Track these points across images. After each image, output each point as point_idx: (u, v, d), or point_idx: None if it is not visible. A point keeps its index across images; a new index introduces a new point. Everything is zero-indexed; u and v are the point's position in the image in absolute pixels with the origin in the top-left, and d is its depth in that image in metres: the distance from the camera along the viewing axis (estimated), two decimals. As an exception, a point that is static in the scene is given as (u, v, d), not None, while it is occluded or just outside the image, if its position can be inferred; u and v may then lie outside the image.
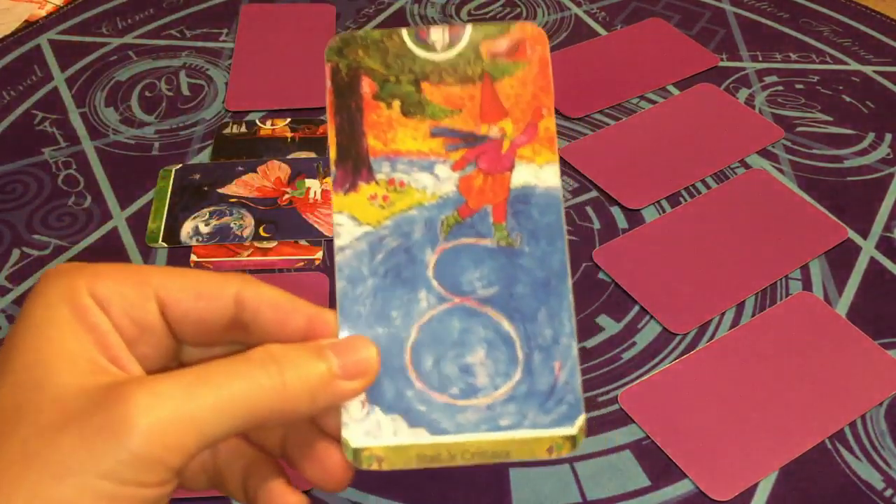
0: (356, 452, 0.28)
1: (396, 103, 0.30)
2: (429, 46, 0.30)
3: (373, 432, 0.28)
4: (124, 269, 0.27)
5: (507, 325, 0.30)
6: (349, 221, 0.30)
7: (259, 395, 0.25)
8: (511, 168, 0.30)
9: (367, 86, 0.30)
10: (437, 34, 0.30)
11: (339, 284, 0.29)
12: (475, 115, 0.30)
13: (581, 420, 0.29)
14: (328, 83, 0.30)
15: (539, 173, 0.30)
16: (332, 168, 0.30)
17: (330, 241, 0.61)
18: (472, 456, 0.29)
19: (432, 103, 0.30)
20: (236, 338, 0.28)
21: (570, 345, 0.29)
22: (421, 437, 0.28)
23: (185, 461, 0.23)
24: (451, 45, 0.30)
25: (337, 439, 0.28)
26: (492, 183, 0.30)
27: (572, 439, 0.29)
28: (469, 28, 0.30)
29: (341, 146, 0.30)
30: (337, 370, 0.26)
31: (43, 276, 0.25)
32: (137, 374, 0.26)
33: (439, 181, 0.30)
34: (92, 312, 0.25)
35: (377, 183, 0.30)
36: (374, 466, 0.28)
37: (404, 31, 0.30)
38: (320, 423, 0.29)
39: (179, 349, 0.29)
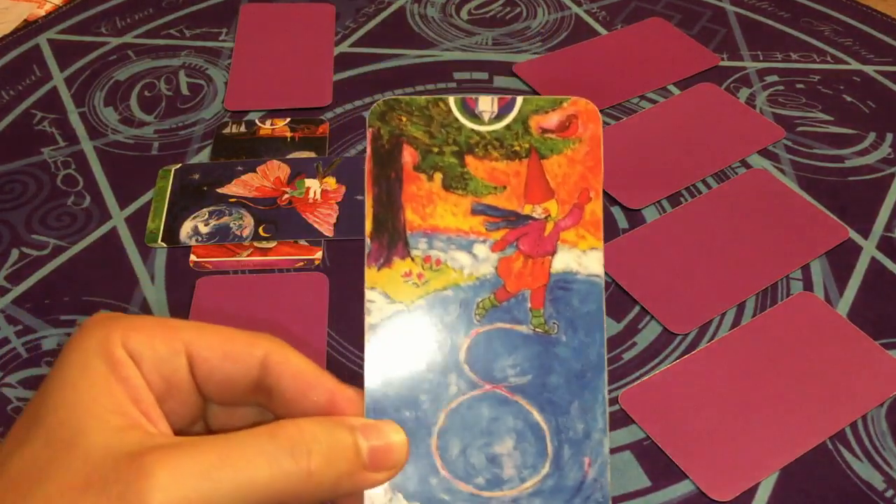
0: None
1: (438, 176, 0.29)
2: (476, 117, 0.29)
3: None
4: (157, 322, 0.27)
5: (537, 417, 0.28)
6: (381, 298, 0.29)
7: (283, 482, 0.24)
8: (553, 252, 0.29)
9: (408, 155, 0.29)
10: (486, 104, 0.29)
11: (369, 365, 0.29)
12: (519, 194, 0.29)
13: None
14: (368, 149, 0.29)
15: (582, 259, 0.29)
16: (368, 241, 0.29)
17: (329, 241, 0.61)
18: None
19: (475, 178, 0.29)
20: (260, 400, 0.28)
21: (601, 441, 0.28)
22: None
23: None
24: (499, 116, 0.29)
25: None
26: (532, 266, 0.29)
27: None
28: (520, 100, 0.29)
29: (378, 218, 0.29)
30: (366, 459, 0.26)
31: (81, 325, 0.25)
32: (165, 433, 0.25)
33: (477, 261, 0.29)
34: (126, 366, 0.25)
35: (413, 259, 0.29)
36: None
37: (451, 99, 0.29)
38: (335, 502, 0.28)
39: (205, 407, 0.29)
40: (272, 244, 0.60)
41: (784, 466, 0.48)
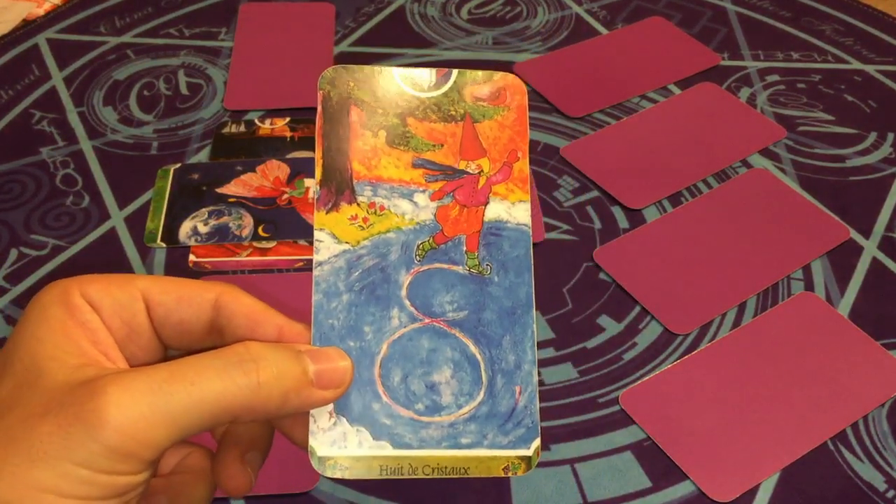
0: (322, 460, 0.29)
1: (382, 133, 0.32)
2: (416, 85, 0.33)
3: (339, 442, 0.29)
4: (114, 275, 0.29)
5: (473, 349, 0.31)
6: (329, 238, 0.31)
7: (233, 393, 0.25)
8: (485, 203, 0.33)
9: (355, 115, 0.32)
10: (425, 74, 0.33)
11: (315, 297, 0.31)
12: (455, 152, 0.33)
13: (537, 443, 0.31)
14: (319, 108, 0.32)
15: (511, 210, 0.33)
16: (317, 187, 0.32)
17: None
18: (432, 470, 0.30)
19: (416, 137, 0.32)
20: (215, 342, 0.29)
21: (531, 371, 0.31)
22: (385, 450, 0.30)
23: (156, 454, 0.24)
24: (437, 85, 0.33)
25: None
26: (467, 214, 0.32)
27: (528, 460, 0.30)
28: (455, 72, 0.33)
29: (327, 168, 0.32)
30: (312, 376, 0.27)
31: (42, 288, 0.27)
32: (122, 368, 0.27)
33: (418, 208, 0.32)
34: (83, 311, 0.27)
35: (358, 205, 0.32)
36: (339, 475, 0.29)
37: (395, 69, 0.33)
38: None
39: (164, 354, 0.30)
40: (272, 244, 0.60)
41: (785, 467, 0.48)
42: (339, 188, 0.32)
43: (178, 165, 0.66)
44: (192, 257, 0.59)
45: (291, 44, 0.78)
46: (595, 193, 0.65)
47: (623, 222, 0.62)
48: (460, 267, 0.32)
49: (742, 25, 0.82)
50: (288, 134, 0.69)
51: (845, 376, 0.52)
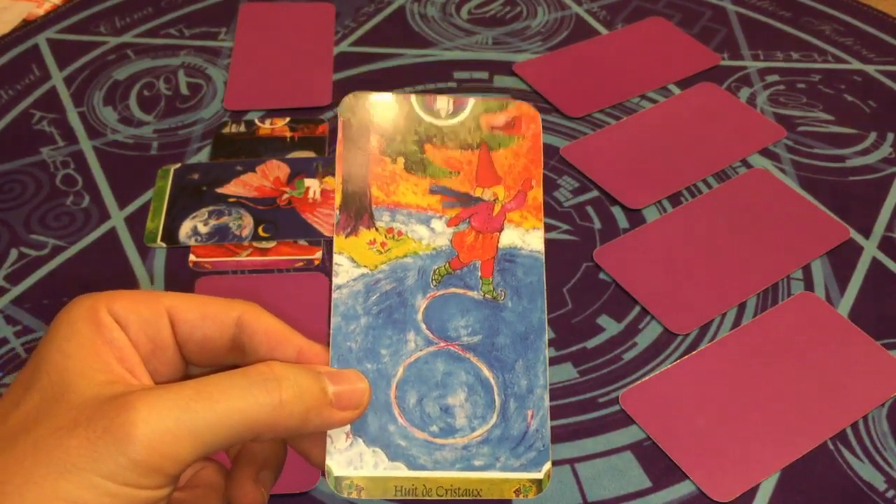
0: (337, 480, 0.30)
1: (401, 160, 0.33)
2: (434, 113, 0.33)
3: (354, 463, 0.30)
4: (140, 292, 0.29)
5: (486, 373, 0.32)
6: (348, 262, 0.32)
7: (256, 410, 0.26)
8: (500, 229, 0.33)
9: (374, 141, 0.33)
10: (443, 103, 0.34)
11: (334, 320, 0.31)
12: (471, 179, 0.33)
13: (548, 466, 0.31)
14: (340, 134, 0.33)
15: (525, 237, 0.33)
16: (336, 212, 0.33)
17: (329, 241, 0.60)
18: (445, 492, 0.31)
19: (433, 164, 0.33)
20: (236, 359, 0.30)
21: (542, 396, 0.32)
22: (399, 470, 0.30)
23: (180, 469, 0.24)
24: (454, 113, 0.34)
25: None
26: (482, 241, 0.33)
27: (538, 483, 0.31)
28: (471, 101, 0.34)
29: (346, 193, 0.33)
30: (332, 397, 0.28)
31: (69, 302, 0.27)
32: (147, 385, 0.27)
33: (434, 234, 0.33)
34: (110, 329, 0.27)
35: (377, 230, 0.33)
36: (354, 495, 0.30)
37: (413, 97, 0.33)
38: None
39: (186, 370, 0.30)
40: (272, 244, 0.60)
41: (785, 467, 0.48)
42: (359, 213, 0.33)
43: (178, 165, 0.66)
44: (192, 257, 0.59)
45: (291, 44, 0.78)
46: (595, 193, 0.65)
47: (623, 222, 0.62)
48: (475, 292, 0.33)
49: (742, 25, 0.82)
50: (288, 134, 0.69)
51: (845, 376, 0.52)
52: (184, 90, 0.74)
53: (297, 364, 0.29)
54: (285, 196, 0.63)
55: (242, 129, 0.70)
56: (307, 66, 0.76)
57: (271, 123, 0.70)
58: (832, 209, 0.63)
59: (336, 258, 0.32)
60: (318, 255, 0.59)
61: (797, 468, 0.48)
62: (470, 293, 0.33)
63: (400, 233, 0.33)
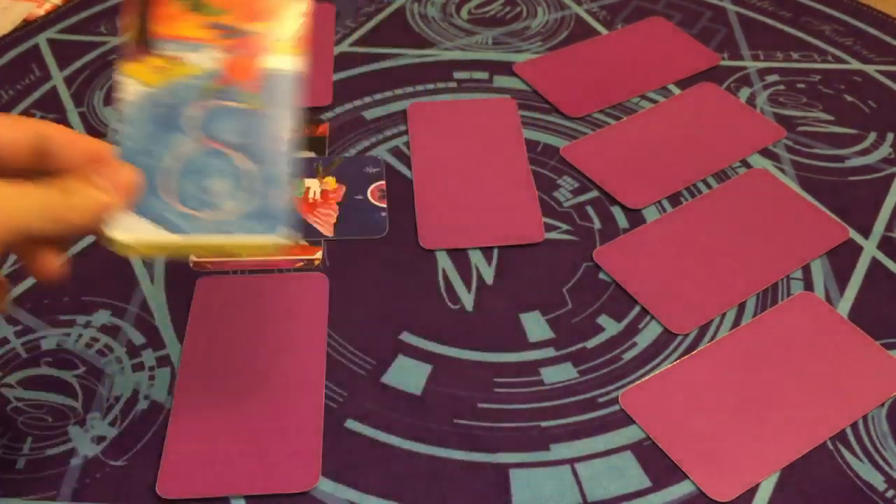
0: (114, 242, 0.39)
1: (182, 3, 0.43)
2: None
3: (128, 229, 0.39)
4: None
5: (243, 165, 0.41)
6: (133, 83, 0.41)
7: (44, 195, 0.35)
8: (263, 56, 0.42)
9: None
10: None
11: (120, 127, 0.40)
12: (241, 16, 0.43)
13: (286, 232, 0.40)
14: None
15: (284, 62, 0.43)
16: (126, 45, 0.42)
17: (329, 241, 0.61)
18: (201, 250, 0.40)
19: (210, 5, 0.43)
20: (37, 164, 0.37)
21: (286, 182, 0.41)
22: (164, 235, 0.39)
23: None
24: None
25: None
26: (248, 65, 0.42)
27: (278, 244, 0.40)
28: None
29: (135, 28, 0.42)
30: (109, 189, 0.38)
31: None
32: None
33: (207, 59, 0.42)
34: None
35: (159, 57, 0.42)
36: (128, 252, 0.39)
37: None
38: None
39: None
40: (272, 244, 0.60)
41: (784, 466, 0.48)
42: (144, 45, 0.42)
43: (178, 165, 0.66)
44: (192, 257, 0.59)
45: (291, 44, 0.78)
46: (595, 193, 0.65)
47: (623, 222, 0.62)
48: (239, 104, 0.42)
49: (742, 25, 0.82)
50: (288, 134, 0.69)
51: (845, 376, 0.52)
52: (184, 90, 0.74)
53: (80, 177, 0.37)
54: (285, 196, 0.63)
55: (243, 129, 0.70)
56: (307, 66, 0.76)
57: (271, 123, 0.70)
58: (832, 209, 0.63)
59: (124, 80, 0.41)
60: (319, 255, 0.60)
61: (797, 468, 0.48)
62: (235, 104, 0.42)
63: (179, 59, 0.42)
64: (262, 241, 0.40)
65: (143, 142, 0.40)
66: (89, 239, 0.61)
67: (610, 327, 0.56)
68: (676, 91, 0.74)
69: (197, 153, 0.41)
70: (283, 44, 0.43)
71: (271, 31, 0.43)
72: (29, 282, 0.58)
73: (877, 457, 0.49)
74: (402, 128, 0.70)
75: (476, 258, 0.60)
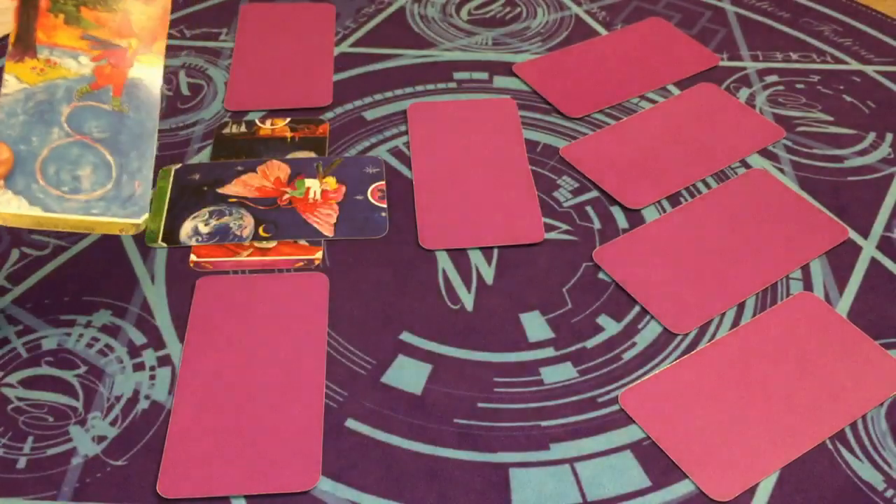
0: None
1: (62, 15, 0.51)
2: None
3: (4, 204, 0.48)
4: None
5: (109, 157, 0.50)
6: (14, 80, 0.50)
7: None
8: (130, 66, 0.51)
9: (43, 3, 0.51)
10: None
11: (0, 117, 0.49)
12: (113, 32, 0.52)
13: (145, 216, 0.51)
14: None
15: (148, 72, 0.52)
16: (10, 47, 0.50)
17: (329, 241, 0.61)
18: (68, 226, 0.49)
19: (85, 20, 0.51)
20: None
21: (148, 175, 0.50)
22: (36, 211, 0.49)
23: None
24: None
25: None
26: (116, 72, 0.51)
27: (136, 226, 0.50)
28: None
29: (19, 34, 0.51)
30: None
31: None
32: None
33: (81, 66, 0.51)
34: None
35: (38, 60, 0.50)
36: (2, 223, 0.49)
37: None
38: None
39: None
40: (272, 244, 0.60)
41: (784, 466, 0.48)
42: (26, 48, 0.50)
43: (178, 165, 0.66)
44: (192, 257, 0.59)
45: (292, 44, 0.78)
46: (595, 193, 0.65)
47: (622, 222, 0.62)
48: (107, 105, 0.51)
49: (741, 26, 0.82)
50: (288, 134, 0.69)
51: (844, 376, 0.52)
52: (184, 90, 0.74)
53: None
54: (286, 196, 0.63)
55: (243, 129, 0.70)
56: (307, 67, 0.76)
57: (271, 124, 0.70)
58: (831, 209, 0.64)
59: (5, 76, 0.50)
60: (319, 255, 0.60)
61: (796, 467, 0.48)
62: (103, 106, 0.50)
63: (55, 63, 0.50)
64: (122, 222, 0.49)
65: (19, 130, 0.49)
66: (90, 239, 0.61)
67: (610, 327, 0.56)
68: (676, 91, 0.74)
69: (69, 145, 0.49)
70: (146, 56, 0.52)
71: (137, 44, 0.52)
72: (30, 282, 0.58)
73: (876, 456, 0.49)
74: (402, 128, 0.70)
75: (476, 258, 0.60)
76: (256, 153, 0.67)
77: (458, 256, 0.60)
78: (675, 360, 0.54)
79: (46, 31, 0.50)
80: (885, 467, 0.49)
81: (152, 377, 0.52)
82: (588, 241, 0.61)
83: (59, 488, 0.47)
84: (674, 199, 0.64)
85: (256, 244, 0.60)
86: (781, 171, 0.67)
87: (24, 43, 0.50)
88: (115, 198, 0.49)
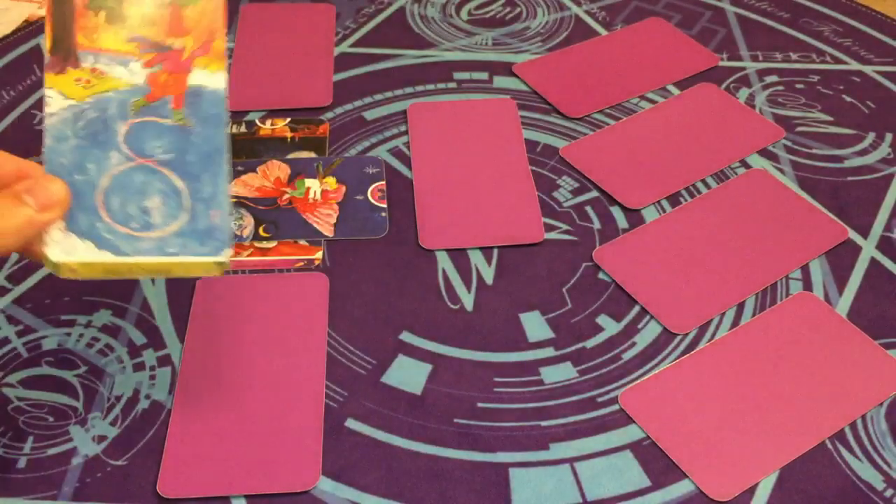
0: (56, 265, 0.39)
1: (103, 13, 0.41)
2: None
3: (69, 251, 0.39)
4: None
5: (178, 182, 0.40)
6: (58, 95, 0.40)
7: None
8: (188, 71, 0.42)
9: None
10: None
11: (47, 142, 0.39)
12: (164, 31, 0.42)
13: (228, 252, 0.40)
14: None
15: (210, 78, 0.42)
16: (47, 55, 0.41)
17: (329, 241, 0.61)
18: (144, 272, 0.40)
19: (132, 17, 0.42)
20: None
21: (224, 201, 0.40)
22: (106, 256, 0.39)
23: None
24: None
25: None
26: (173, 80, 0.41)
27: (221, 265, 0.40)
28: None
29: (56, 39, 0.41)
30: (35, 207, 0.37)
31: None
32: None
33: (132, 74, 0.41)
34: None
35: (82, 69, 0.41)
36: (70, 275, 0.39)
37: None
38: (28, 252, 0.39)
39: None
40: (272, 244, 0.60)
41: (783, 466, 0.48)
42: (66, 56, 0.41)
43: (178, 166, 0.66)
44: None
45: (292, 45, 0.78)
46: (594, 194, 0.65)
47: (622, 222, 0.62)
48: (168, 120, 0.41)
49: (741, 26, 0.82)
50: (288, 134, 0.69)
51: (843, 376, 0.52)
52: (184, 91, 0.74)
53: (10, 190, 0.37)
54: (286, 196, 0.63)
55: (243, 129, 0.70)
56: (307, 67, 0.76)
57: (272, 124, 0.70)
58: (831, 209, 0.64)
59: (48, 92, 0.40)
60: (319, 255, 0.60)
61: (796, 467, 0.48)
62: (163, 121, 0.41)
63: (103, 72, 0.41)
64: (204, 262, 0.40)
65: (72, 157, 0.40)
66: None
67: (609, 327, 0.56)
68: (676, 91, 0.74)
69: (130, 171, 0.40)
70: (205, 59, 0.42)
71: (193, 44, 0.42)
72: (30, 282, 0.58)
73: (875, 456, 0.49)
74: (402, 128, 0.70)
75: (476, 258, 0.60)
76: (256, 153, 0.67)
77: (458, 256, 0.60)
78: (675, 360, 0.54)
79: (87, 33, 0.41)
80: (885, 467, 0.49)
81: (152, 377, 0.52)
82: (588, 241, 0.61)
83: (60, 488, 0.47)
84: (674, 199, 0.64)
85: (256, 244, 0.60)
86: (781, 171, 0.67)
87: (63, 49, 0.41)
88: (190, 232, 0.40)
